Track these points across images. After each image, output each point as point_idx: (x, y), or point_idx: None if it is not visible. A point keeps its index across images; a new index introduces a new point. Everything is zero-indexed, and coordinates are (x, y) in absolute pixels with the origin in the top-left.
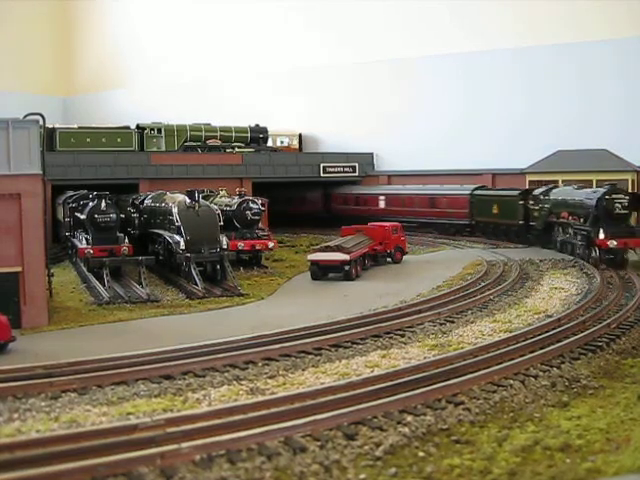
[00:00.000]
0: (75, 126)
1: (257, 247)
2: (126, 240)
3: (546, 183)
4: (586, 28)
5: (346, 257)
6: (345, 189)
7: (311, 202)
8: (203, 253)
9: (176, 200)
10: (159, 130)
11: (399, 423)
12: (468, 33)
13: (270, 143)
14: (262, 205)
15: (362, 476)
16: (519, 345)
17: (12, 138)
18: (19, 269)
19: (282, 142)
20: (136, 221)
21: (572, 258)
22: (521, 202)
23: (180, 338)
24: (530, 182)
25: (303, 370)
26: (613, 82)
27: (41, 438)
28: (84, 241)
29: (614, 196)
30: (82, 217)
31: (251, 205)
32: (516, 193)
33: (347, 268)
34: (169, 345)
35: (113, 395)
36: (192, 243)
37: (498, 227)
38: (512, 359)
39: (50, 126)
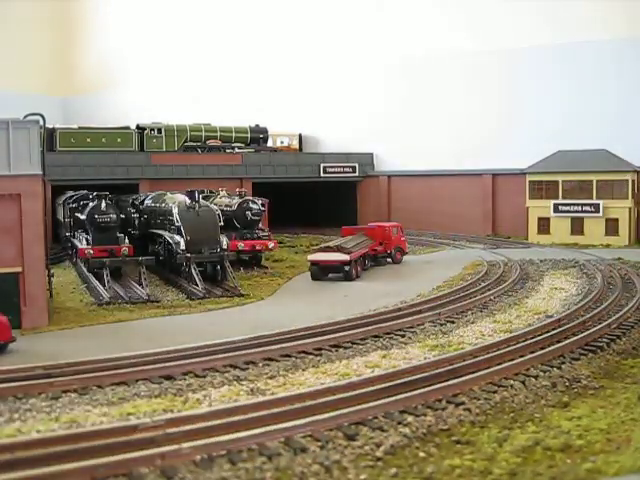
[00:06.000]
0: (75, 126)
1: (257, 247)
2: (126, 240)
3: (547, 183)
4: (585, 28)
5: (346, 257)
6: None
7: None
8: (203, 253)
9: (176, 200)
10: (159, 130)
11: (399, 423)
12: (468, 33)
13: (270, 143)
14: (262, 205)
15: (363, 476)
16: (519, 345)
17: (12, 138)
18: (19, 269)
19: (282, 142)
20: (136, 221)
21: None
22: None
23: (180, 338)
24: (530, 182)
25: (303, 370)
26: (613, 82)
27: (41, 438)
28: (84, 241)
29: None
30: (82, 217)
31: (251, 205)
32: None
33: (347, 268)
34: (169, 345)
35: (113, 395)
36: (192, 243)
37: None
38: (512, 359)
39: (50, 126)
